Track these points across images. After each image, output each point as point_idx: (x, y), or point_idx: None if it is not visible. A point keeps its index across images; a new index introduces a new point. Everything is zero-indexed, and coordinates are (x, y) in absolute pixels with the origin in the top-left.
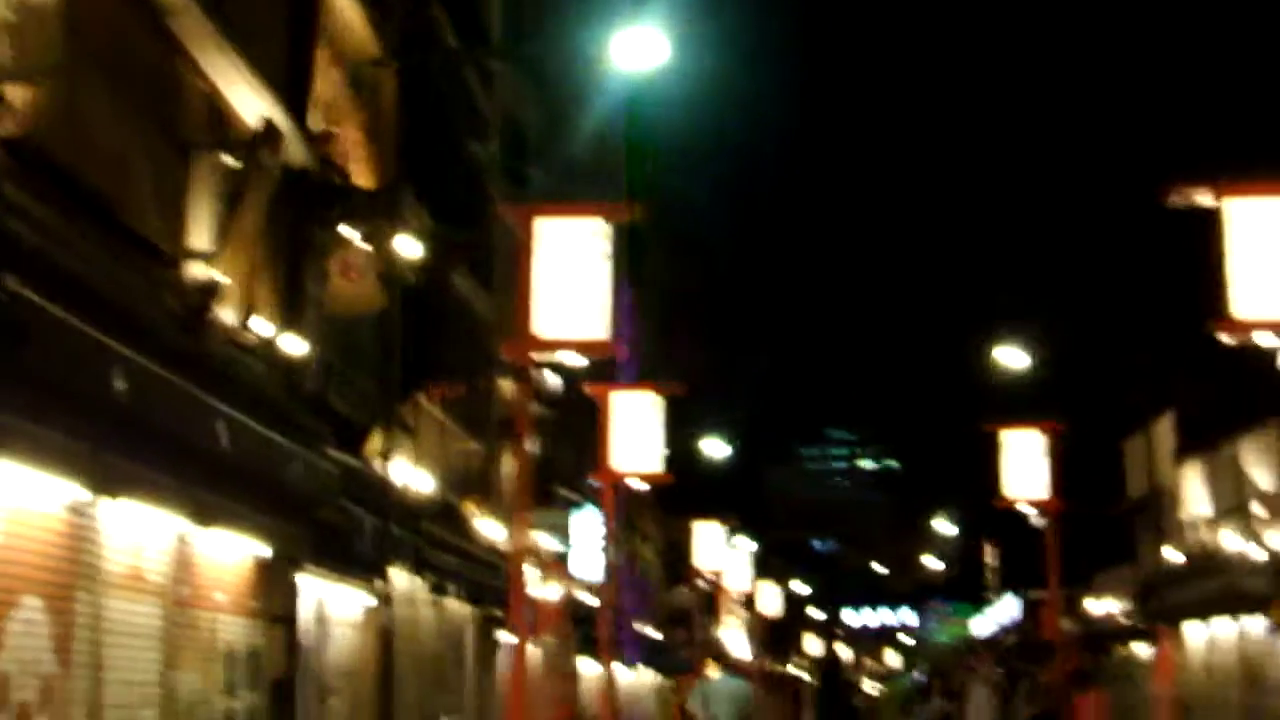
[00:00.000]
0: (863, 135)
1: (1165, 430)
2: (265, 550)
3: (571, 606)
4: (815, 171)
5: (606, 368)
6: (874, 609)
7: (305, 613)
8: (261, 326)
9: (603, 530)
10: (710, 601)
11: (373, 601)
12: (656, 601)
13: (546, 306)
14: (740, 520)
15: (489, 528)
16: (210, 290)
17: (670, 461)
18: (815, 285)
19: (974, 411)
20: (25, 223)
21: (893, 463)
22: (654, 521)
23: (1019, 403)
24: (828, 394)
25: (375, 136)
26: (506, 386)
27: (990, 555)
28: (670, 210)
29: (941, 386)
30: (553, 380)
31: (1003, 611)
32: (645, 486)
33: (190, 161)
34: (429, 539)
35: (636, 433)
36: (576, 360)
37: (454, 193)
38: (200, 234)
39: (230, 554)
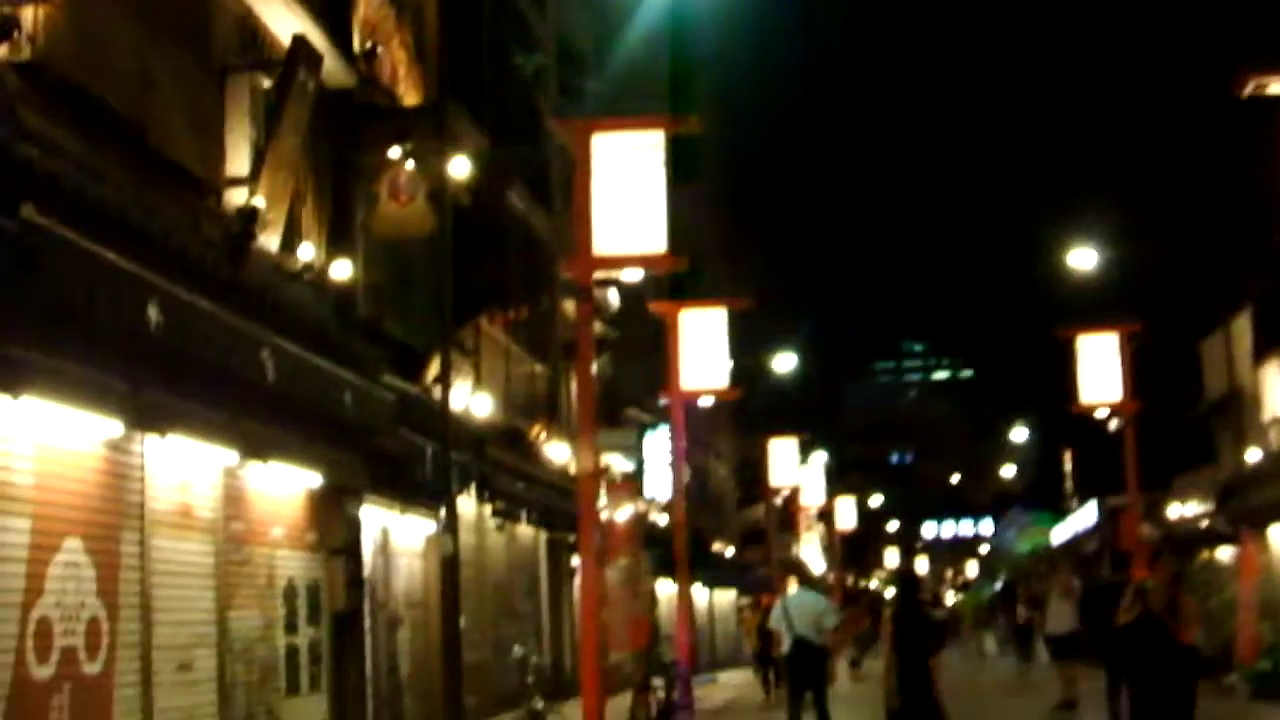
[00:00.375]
0: (923, 38)
1: (1243, 329)
2: (320, 481)
3: (645, 527)
4: (875, 76)
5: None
6: (953, 521)
7: (368, 544)
8: (308, 253)
9: (672, 449)
10: (786, 518)
11: (437, 530)
12: (732, 519)
13: (605, 223)
14: (815, 435)
15: (558, 451)
16: (251, 217)
17: (742, 378)
18: (881, 195)
19: (1048, 316)
20: (43, 149)
21: (967, 372)
22: (728, 440)
23: (1093, 305)
24: (900, 306)
25: (421, 54)
26: (570, 307)
27: (1068, 462)
28: (731, 122)
29: (1014, 291)
30: (614, 297)
31: (1082, 519)
32: (712, 402)
33: (226, 85)
34: (494, 465)
35: (704, 349)
36: (637, 275)
37: (506, 109)
38: (239, 159)
39: (284, 487)
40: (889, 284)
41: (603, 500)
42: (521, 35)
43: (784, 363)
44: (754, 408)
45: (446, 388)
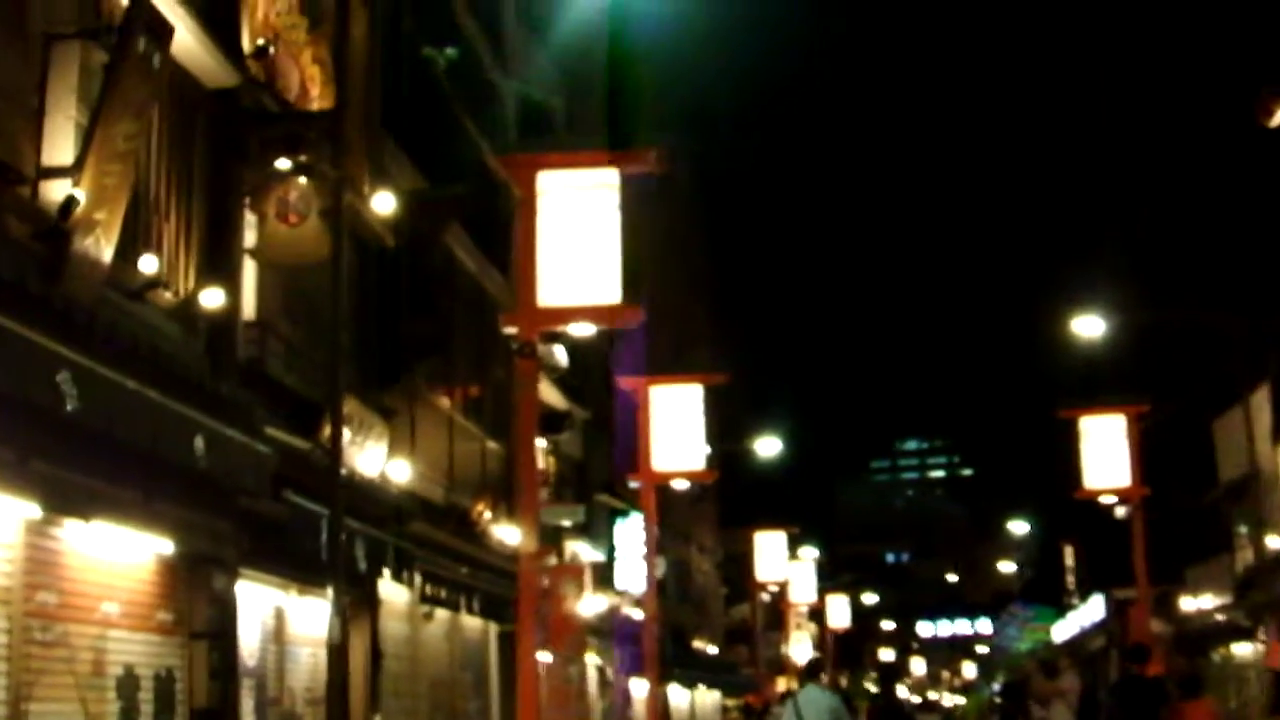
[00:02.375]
0: (916, 92)
1: (1261, 405)
2: (172, 549)
3: (616, 622)
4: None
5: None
6: (949, 620)
7: (252, 628)
8: (151, 267)
9: (645, 537)
10: (775, 615)
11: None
12: (717, 617)
13: (552, 271)
14: (805, 530)
15: (511, 535)
16: (66, 211)
17: (724, 466)
18: (870, 275)
19: (1049, 397)
20: None
21: (965, 470)
22: (711, 533)
23: (1098, 383)
24: (894, 403)
25: (341, 73)
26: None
27: (1070, 556)
28: (709, 186)
29: (1012, 371)
30: (561, 356)
31: (1087, 614)
32: (687, 486)
33: (49, 56)
34: (420, 543)
35: (678, 429)
36: (585, 330)
37: (445, 144)
38: (60, 146)
39: (120, 553)
40: (881, 378)
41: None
42: (470, 69)
43: (767, 447)
44: (739, 500)
45: (337, 440)
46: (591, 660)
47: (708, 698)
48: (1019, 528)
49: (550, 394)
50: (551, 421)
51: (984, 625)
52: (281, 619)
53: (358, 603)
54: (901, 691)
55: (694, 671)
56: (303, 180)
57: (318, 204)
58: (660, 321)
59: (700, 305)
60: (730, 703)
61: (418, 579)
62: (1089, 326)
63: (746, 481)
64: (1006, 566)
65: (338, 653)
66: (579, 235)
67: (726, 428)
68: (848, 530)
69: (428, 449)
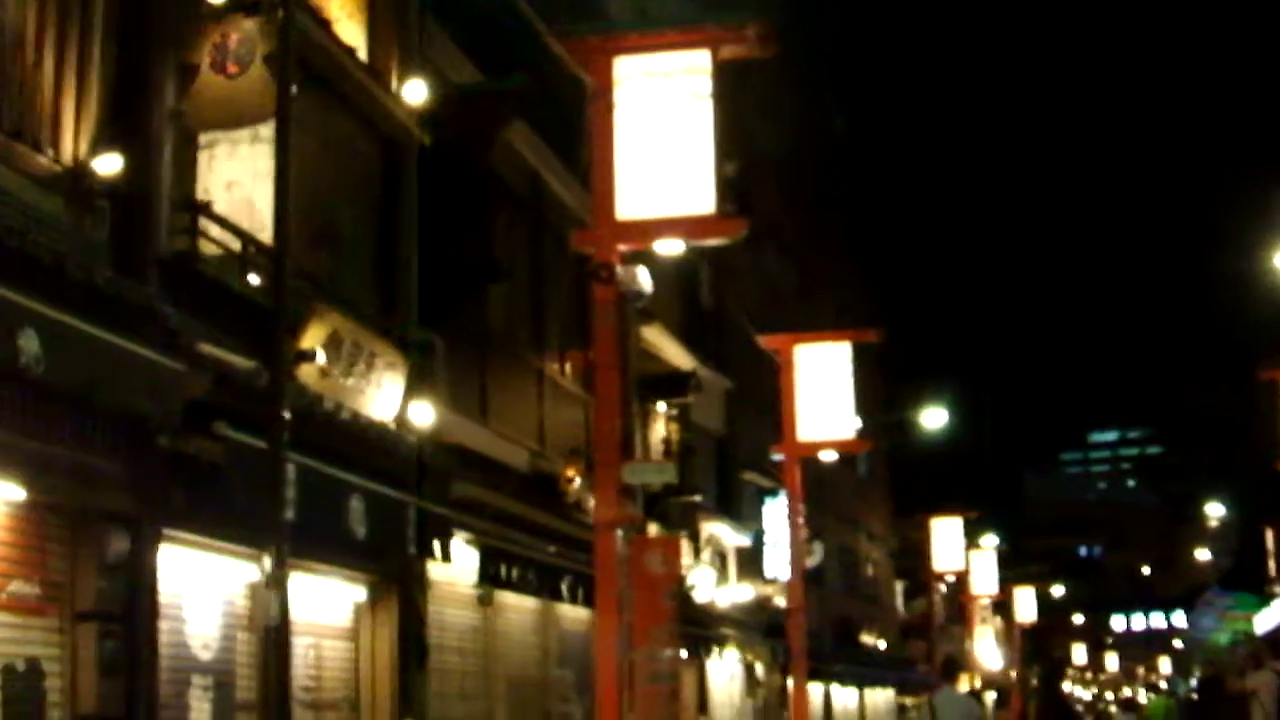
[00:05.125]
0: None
1: None
2: (23, 497)
3: (768, 614)
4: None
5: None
6: (1144, 614)
7: (208, 611)
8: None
9: (789, 517)
10: (956, 608)
11: (362, 594)
12: (890, 610)
13: (633, 177)
14: (985, 516)
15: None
16: None
17: (900, 453)
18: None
19: (1247, 362)
20: None
21: (1155, 449)
22: (883, 520)
23: None
24: (1084, 390)
25: None
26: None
27: (1272, 538)
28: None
29: (1206, 337)
30: (646, 281)
31: None
32: (835, 456)
33: None
34: (485, 511)
35: (825, 393)
36: (674, 247)
37: (503, 29)
38: None
39: None
40: (1069, 361)
41: (705, 578)
42: None
43: (934, 418)
44: (914, 485)
45: (276, 352)
46: (732, 656)
47: (879, 696)
48: (1216, 511)
49: (674, 352)
50: (673, 383)
51: (1179, 619)
52: (260, 600)
53: (384, 582)
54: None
55: (860, 668)
56: (247, 21)
57: (263, 48)
58: (812, 279)
59: (856, 267)
60: (909, 700)
61: (475, 555)
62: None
63: (921, 466)
64: (1203, 555)
65: (274, 636)
66: (664, 132)
67: (897, 406)
68: (1038, 524)
69: (506, 404)
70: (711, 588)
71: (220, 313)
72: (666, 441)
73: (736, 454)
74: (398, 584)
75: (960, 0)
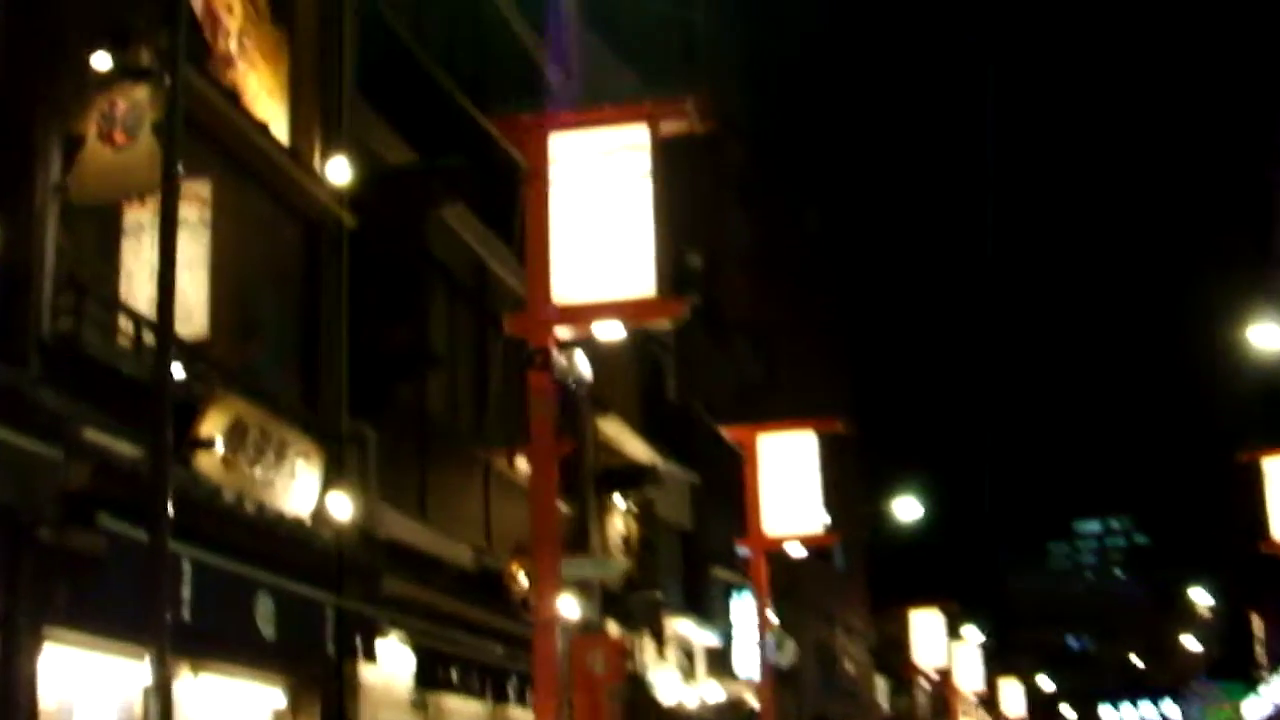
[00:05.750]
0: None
1: None
2: None
3: (739, 713)
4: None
5: None
6: (1132, 704)
7: (90, 711)
8: None
9: (757, 613)
10: (939, 704)
11: (280, 699)
12: (872, 709)
13: (569, 257)
14: (967, 608)
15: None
16: None
17: (878, 546)
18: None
19: (1226, 444)
20: None
21: (1142, 538)
22: (861, 615)
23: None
24: (1068, 481)
25: (278, 14)
26: (610, 432)
27: (1259, 623)
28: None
29: (1185, 420)
30: (584, 365)
31: None
32: (804, 552)
33: None
34: (418, 609)
35: (791, 485)
36: (613, 332)
37: (440, 109)
38: None
39: None
40: (1051, 453)
41: (668, 678)
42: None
43: (908, 510)
44: (892, 579)
45: (161, 437)
46: None
47: None
48: (1203, 598)
49: (634, 445)
50: (631, 476)
51: (1171, 709)
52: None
53: (304, 685)
54: None
55: None
56: (137, 88)
57: (152, 117)
58: (783, 371)
59: (829, 354)
60: None
61: (410, 657)
62: (1267, 337)
63: (901, 558)
64: (1192, 643)
65: None
66: (603, 212)
67: (875, 497)
68: (1024, 615)
69: (448, 498)
70: (678, 687)
71: (108, 397)
72: (626, 537)
73: (703, 549)
74: (319, 687)
75: (936, 95)
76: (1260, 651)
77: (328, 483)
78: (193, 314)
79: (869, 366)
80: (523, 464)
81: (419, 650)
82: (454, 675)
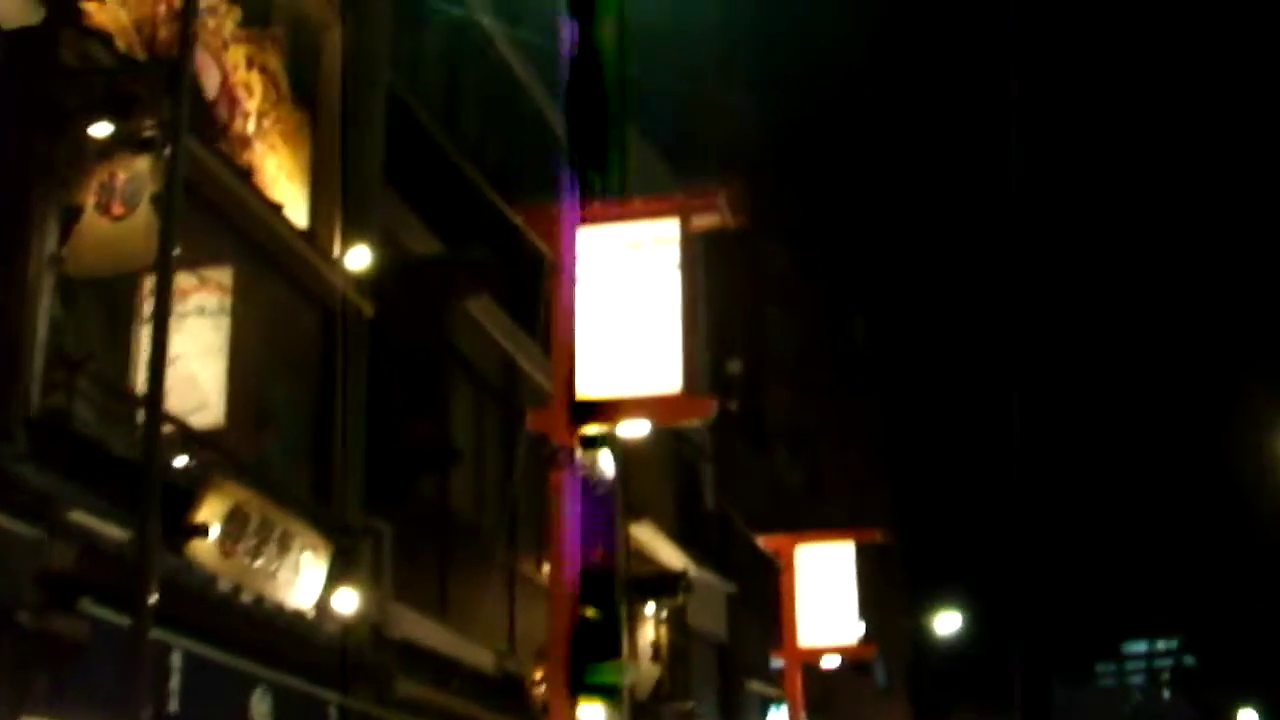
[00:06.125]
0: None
1: None
2: None
3: None
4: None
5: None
6: None
7: None
8: None
9: None
10: None
11: None
12: None
13: (594, 353)
14: None
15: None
16: None
17: (921, 660)
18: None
19: (1274, 561)
20: None
21: (1190, 658)
22: None
23: None
24: (1116, 601)
25: (302, 97)
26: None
27: None
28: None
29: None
30: (608, 464)
31: None
32: (837, 661)
33: None
34: (445, 716)
35: (827, 595)
36: (639, 429)
37: (466, 192)
38: None
39: None
40: (1100, 569)
41: None
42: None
43: (948, 623)
44: (937, 694)
45: (145, 523)
46: None
47: None
48: (1252, 718)
49: (669, 552)
50: (663, 584)
51: None
52: None
53: None
54: None
55: None
56: (138, 159)
57: (153, 188)
58: (825, 481)
59: (873, 466)
60: None
61: None
62: None
63: (945, 675)
64: None
65: None
66: (630, 306)
67: (919, 612)
68: None
69: (470, 600)
70: None
71: (99, 478)
72: (656, 645)
73: (739, 661)
74: None
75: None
76: None
77: (335, 577)
78: (209, 402)
79: (913, 479)
80: (548, 567)
81: None
82: None
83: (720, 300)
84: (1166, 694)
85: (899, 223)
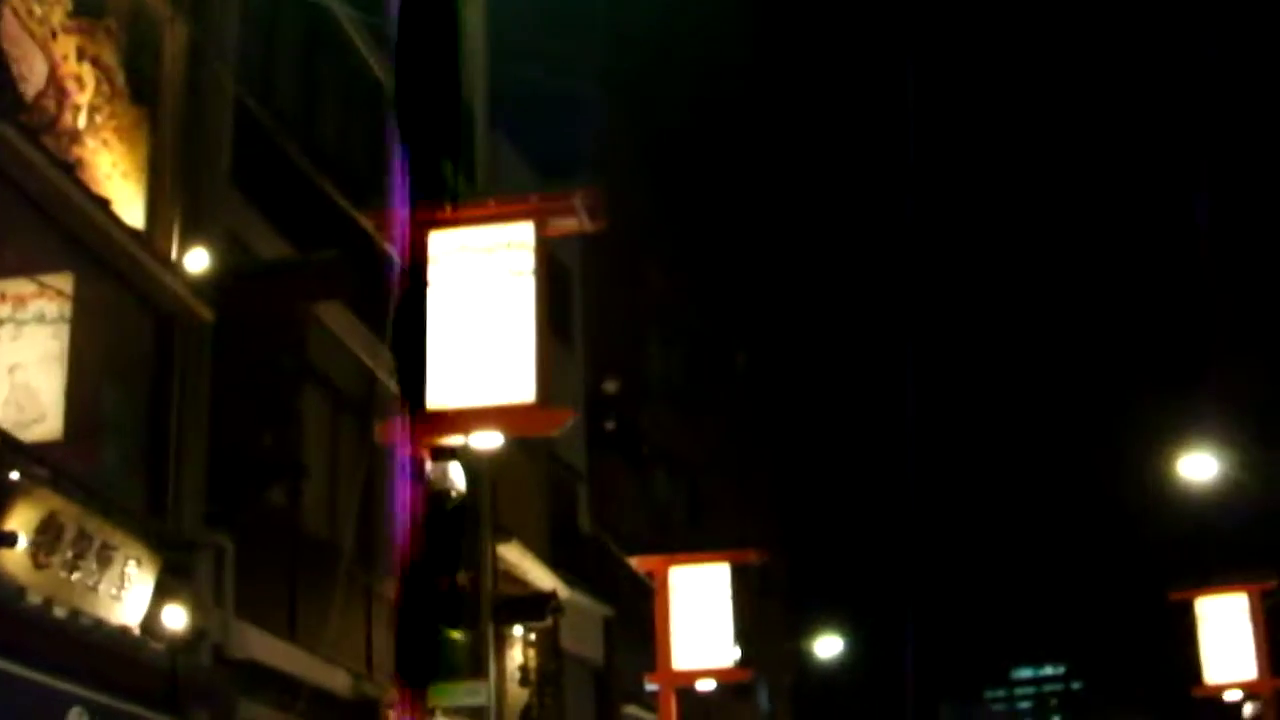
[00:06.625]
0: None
1: None
2: None
3: None
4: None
5: None
6: None
7: None
8: None
9: None
10: None
11: None
12: None
13: (443, 360)
14: None
15: None
16: None
17: (806, 687)
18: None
19: (1158, 583)
20: None
21: (1078, 684)
22: None
23: (1213, 560)
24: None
25: (141, 93)
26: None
27: None
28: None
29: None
30: (458, 476)
31: None
32: (712, 685)
33: None
34: None
35: (702, 618)
36: (491, 441)
37: (316, 195)
38: None
39: None
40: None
41: None
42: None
43: (828, 647)
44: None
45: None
46: None
47: None
48: None
49: (539, 574)
50: (530, 605)
51: None
52: None
53: None
54: None
55: None
56: None
57: None
58: (707, 505)
59: (757, 494)
60: None
61: None
62: (1199, 467)
63: (830, 700)
64: None
65: None
66: (482, 314)
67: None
68: None
69: (324, 620)
70: None
71: None
72: (524, 668)
73: (616, 686)
74: None
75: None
76: None
77: (165, 592)
78: (47, 414)
79: (798, 509)
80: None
81: None
82: None
83: (598, 320)
84: (1055, 719)
85: (782, 245)
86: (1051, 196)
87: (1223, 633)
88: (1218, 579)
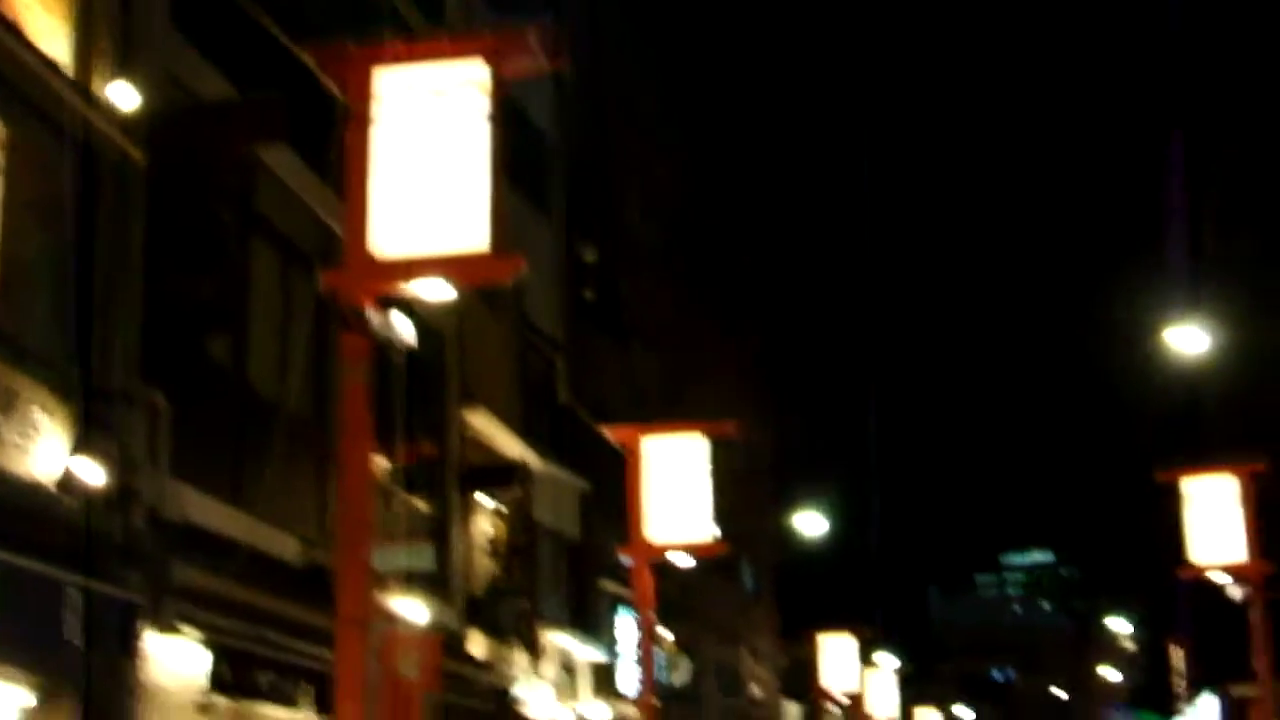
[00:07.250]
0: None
1: None
2: None
3: None
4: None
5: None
6: None
7: None
8: None
9: (639, 627)
10: None
11: (29, 698)
12: None
13: (392, 208)
14: (887, 637)
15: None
16: None
17: (790, 569)
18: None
19: (1146, 463)
20: None
21: (1068, 570)
22: (769, 639)
23: (1201, 439)
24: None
25: None
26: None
27: (1177, 654)
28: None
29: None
30: (405, 328)
31: (1199, 717)
32: (691, 561)
33: None
34: (218, 602)
35: (678, 491)
36: (441, 291)
37: (258, 31)
38: None
39: None
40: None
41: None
42: None
43: (811, 524)
44: (805, 605)
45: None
46: None
47: None
48: (1122, 627)
49: (508, 442)
50: (497, 475)
51: None
52: None
53: (54, 684)
54: None
55: None
56: None
57: None
58: (689, 378)
59: (743, 372)
60: None
61: (203, 655)
62: (1187, 340)
63: (814, 581)
64: (1111, 673)
65: None
66: (433, 157)
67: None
68: (949, 646)
69: (273, 484)
70: (553, 705)
71: None
72: (493, 540)
73: (591, 561)
74: (74, 684)
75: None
76: (1178, 682)
77: (84, 448)
78: None
79: (786, 386)
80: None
81: (217, 650)
82: (266, 681)
83: (577, 187)
84: (1045, 605)
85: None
86: (1045, 58)
87: (1210, 514)
88: (1206, 459)
